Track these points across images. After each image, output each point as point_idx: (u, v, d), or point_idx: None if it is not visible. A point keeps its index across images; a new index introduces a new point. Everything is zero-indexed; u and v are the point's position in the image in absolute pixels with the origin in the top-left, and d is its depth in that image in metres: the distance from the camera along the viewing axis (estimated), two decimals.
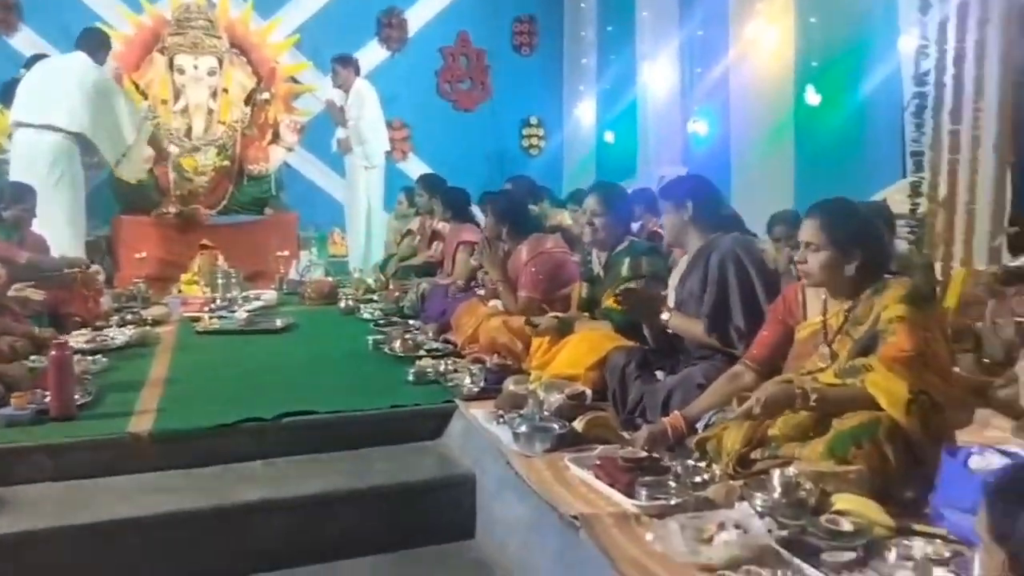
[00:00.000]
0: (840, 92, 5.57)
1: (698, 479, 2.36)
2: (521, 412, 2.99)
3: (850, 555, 1.86)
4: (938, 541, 1.96)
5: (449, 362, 3.91)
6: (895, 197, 4.63)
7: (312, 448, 3.15)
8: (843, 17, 5.59)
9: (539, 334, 3.68)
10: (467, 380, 3.55)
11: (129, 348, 4.45)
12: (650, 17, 7.67)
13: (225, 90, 7.50)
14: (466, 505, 2.96)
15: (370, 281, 6.40)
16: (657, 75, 7.56)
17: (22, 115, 5.66)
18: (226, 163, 7.48)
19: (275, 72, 7.69)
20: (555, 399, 3.04)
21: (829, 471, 2.15)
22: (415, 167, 8.65)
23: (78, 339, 4.40)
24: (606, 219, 3.65)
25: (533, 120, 9.67)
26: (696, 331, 3.02)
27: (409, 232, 6.68)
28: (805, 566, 1.85)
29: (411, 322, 5.04)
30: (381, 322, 5.10)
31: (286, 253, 6.93)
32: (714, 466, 2.44)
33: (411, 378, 3.72)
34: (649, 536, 2.02)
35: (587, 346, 3.41)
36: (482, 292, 4.67)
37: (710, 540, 1.95)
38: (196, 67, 7.34)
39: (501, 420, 3.04)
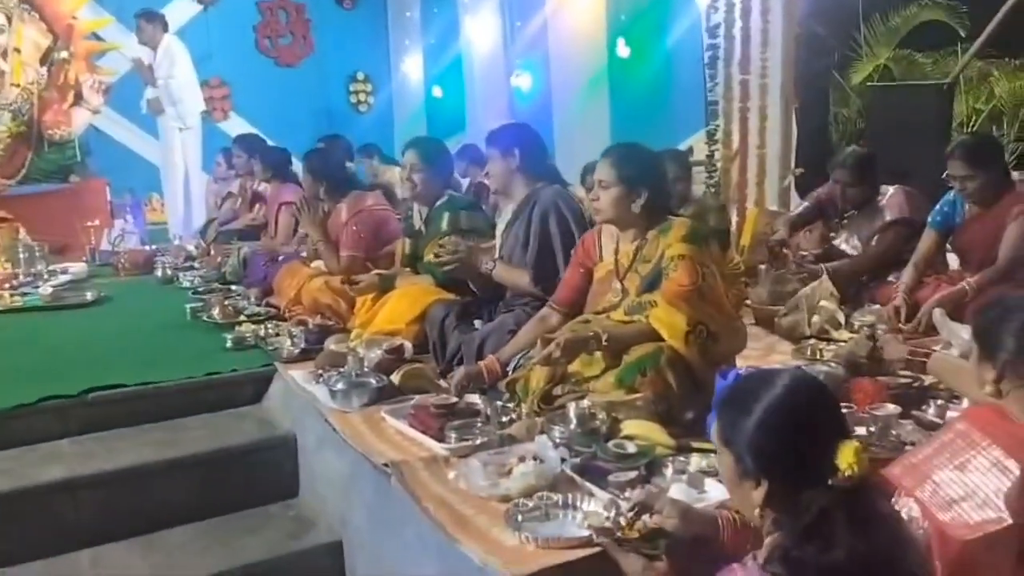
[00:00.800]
0: (648, 45, 5.84)
1: (506, 419, 2.48)
2: (340, 370, 3.01)
3: (633, 474, 2.02)
4: (712, 455, 2.17)
5: (270, 326, 3.85)
6: (699, 145, 4.95)
7: (122, 423, 3.05)
8: None
9: (360, 292, 3.70)
10: (287, 343, 3.52)
11: None
12: None
13: (17, 49, 6.91)
14: (288, 465, 2.97)
15: (191, 248, 6.15)
16: (480, 29, 7.61)
17: None
18: (23, 129, 6.94)
19: (73, 28, 7.13)
20: (374, 355, 3.07)
21: (619, 400, 2.32)
22: (237, 127, 8.32)
23: None
24: (425, 174, 3.66)
25: (360, 76, 9.50)
26: (522, 282, 3.11)
27: (230, 195, 6.45)
28: (593, 487, 2.00)
29: (233, 288, 4.90)
30: (201, 290, 4.93)
31: (96, 222, 6.51)
32: (522, 405, 2.57)
33: (229, 344, 3.64)
34: (452, 474, 2.11)
35: (407, 301, 3.46)
36: (304, 253, 4.60)
37: (510, 473, 2.06)
38: None
39: (320, 379, 3.04)
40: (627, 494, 1.92)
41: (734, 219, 4.44)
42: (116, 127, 8.04)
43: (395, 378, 2.90)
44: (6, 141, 6.84)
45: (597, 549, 1.73)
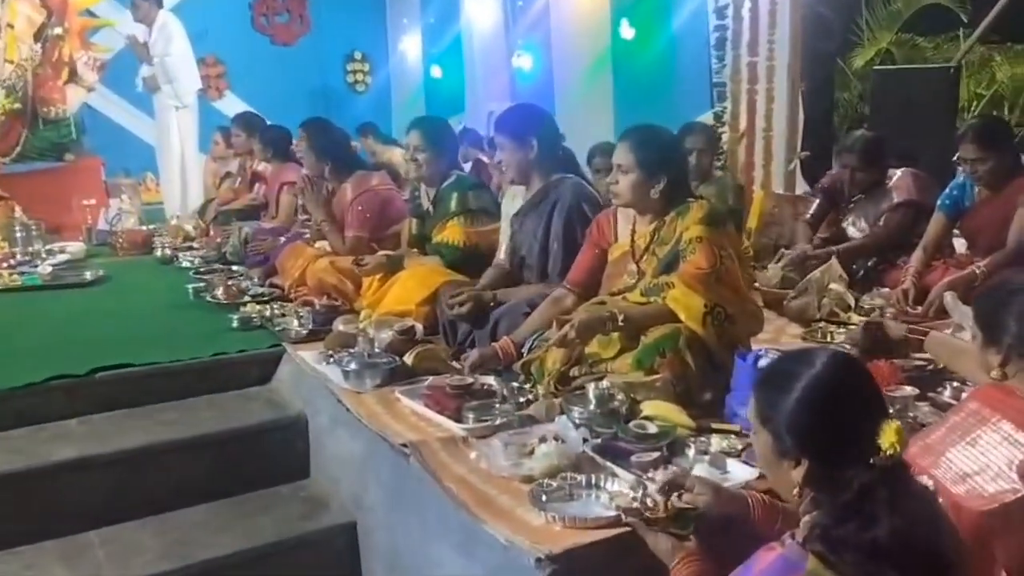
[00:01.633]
0: (652, 26, 5.79)
1: (522, 399, 2.47)
2: (351, 350, 2.99)
3: (655, 454, 2.02)
4: (732, 436, 2.18)
5: (276, 306, 3.83)
6: None
7: (131, 403, 3.02)
8: None
9: (367, 273, 3.67)
10: (295, 323, 3.49)
11: None
12: None
13: (10, 25, 6.79)
14: (299, 446, 2.96)
15: (189, 228, 6.09)
16: (480, 8, 7.54)
17: None
18: (17, 106, 6.82)
19: (67, 4, 7.01)
20: (385, 336, 3.06)
21: (638, 381, 2.32)
22: (233, 106, 8.25)
23: None
24: (429, 154, 3.62)
25: (357, 55, 9.42)
26: (531, 291, 3.03)
27: (228, 175, 6.39)
28: (615, 468, 2.00)
29: (234, 268, 4.86)
30: (202, 270, 4.89)
31: (92, 201, 6.43)
32: (538, 386, 2.56)
33: (236, 325, 3.61)
34: (473, 455, 2.11)
35: (416, 281, 3.43)
36: (307, 234, 4.57)
37: (531, 453, 2.06)
38: None
39: (331, 360, 3.03)
40: (650, 474, 1.93)
41: None
42: (111, 105, 7.96)
43: (408, 359, 2.88)
44: (1, 118, 6.75)
45: (624, 529, 1.73)
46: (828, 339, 3.12)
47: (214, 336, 3.49)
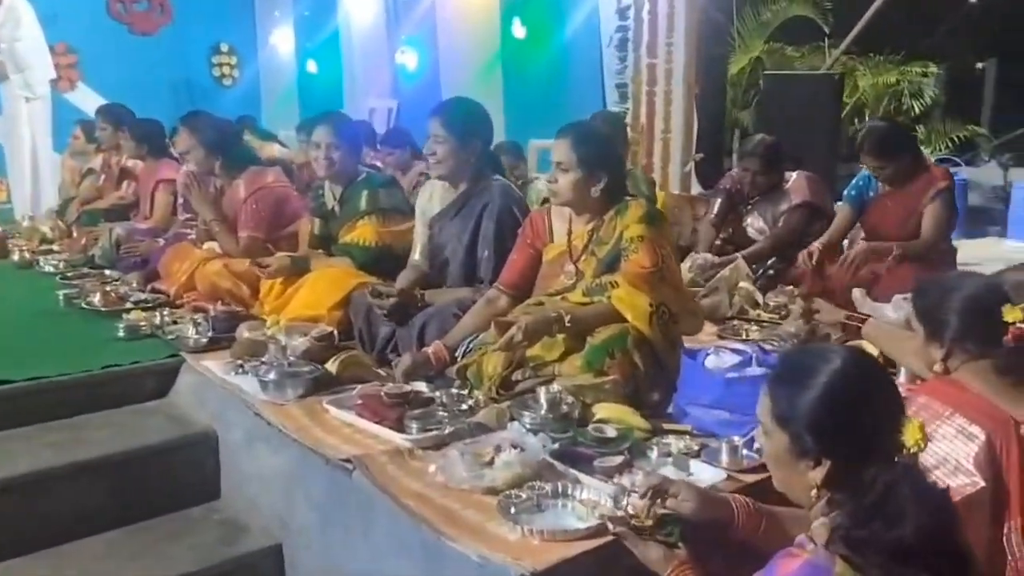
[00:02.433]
0: (544, 25, 5.78)
1: (464, 406, 2.37)
2: (263, 359, 2.78)
3: (619, 459, 1.97)
4: (687, 437, 2.16)
5: (165, 313, 3.52)
6: None
7: (12, 423, 2.68)
8: None
9: (271, 276, 3.44)
10: (192, 331, 3.22)
11: None
12: None
13: None
14: (208, 465, 2.72)
15: (46, 229, 5.55)
16: (360, 2, 7.31)
17: None
18: None
19: None
20: (300, 342, 2.86)
21: (587, 383, 2.27)
22: (86, 98, 7.65)
23: None
24: (342, 151, 3.45)
25: (224, 47, 8.93)
26: (461, 294, 2.93)
27: (90, 171, 5.87)
28: (581, 475, 1.93)
29: (107, 272, 4.47)
30: (70, 275, 4.46)
31: None
32: (476, 392, 2.46)
33: (122, 334, 3.30)
34: (432, 467, 1.99)
35: (326, 284, 3.25)
36: (192, 234, 4.25)
37: (491, 463, 1.96)
38: None
39: (241, 370, 2.81)
40: (619, 479, 1.87)
41: None
42: None
43: (331, 366, 2.71)
44: None
45: (607, 539, 1.66)
46: (745, 336, 3.19)
47: (100, 347, 3.17)
